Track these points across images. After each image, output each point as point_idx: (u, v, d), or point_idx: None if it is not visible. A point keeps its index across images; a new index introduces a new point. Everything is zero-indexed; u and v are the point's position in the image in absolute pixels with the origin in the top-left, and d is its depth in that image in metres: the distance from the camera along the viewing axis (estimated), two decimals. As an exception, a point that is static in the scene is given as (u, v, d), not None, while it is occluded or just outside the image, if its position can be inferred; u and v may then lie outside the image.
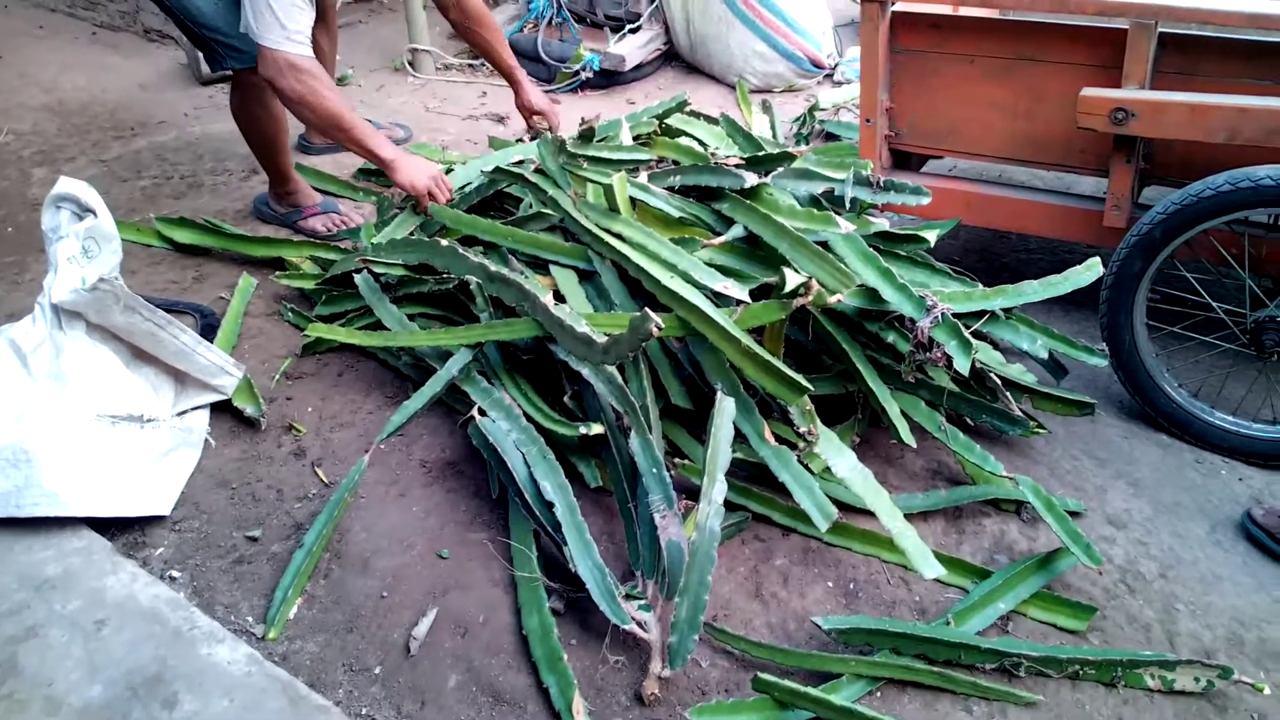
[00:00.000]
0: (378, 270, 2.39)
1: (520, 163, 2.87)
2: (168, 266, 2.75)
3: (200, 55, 3.66)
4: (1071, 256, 2.76)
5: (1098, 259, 2.01)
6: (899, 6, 2.39)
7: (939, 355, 1.83)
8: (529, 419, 1.98)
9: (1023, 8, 2.27)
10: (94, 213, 2.20)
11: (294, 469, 2.06)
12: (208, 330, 2.48)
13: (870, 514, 1.73)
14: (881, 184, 2.19)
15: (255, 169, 3.20)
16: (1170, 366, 2.15)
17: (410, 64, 3.90)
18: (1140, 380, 2.13)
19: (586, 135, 2.55)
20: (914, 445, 1.92)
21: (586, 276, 2.26)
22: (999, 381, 2.02)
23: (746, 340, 1.85)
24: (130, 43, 4.13)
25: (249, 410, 2.17)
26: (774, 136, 3.40)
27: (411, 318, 2.31)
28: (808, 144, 3.42)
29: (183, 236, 2.77)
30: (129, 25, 4.18)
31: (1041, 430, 2.06)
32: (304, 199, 2.94)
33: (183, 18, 2.61)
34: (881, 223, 2.18)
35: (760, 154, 2.36)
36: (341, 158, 3.27)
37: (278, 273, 2.61)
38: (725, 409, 1.79)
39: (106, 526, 1.89)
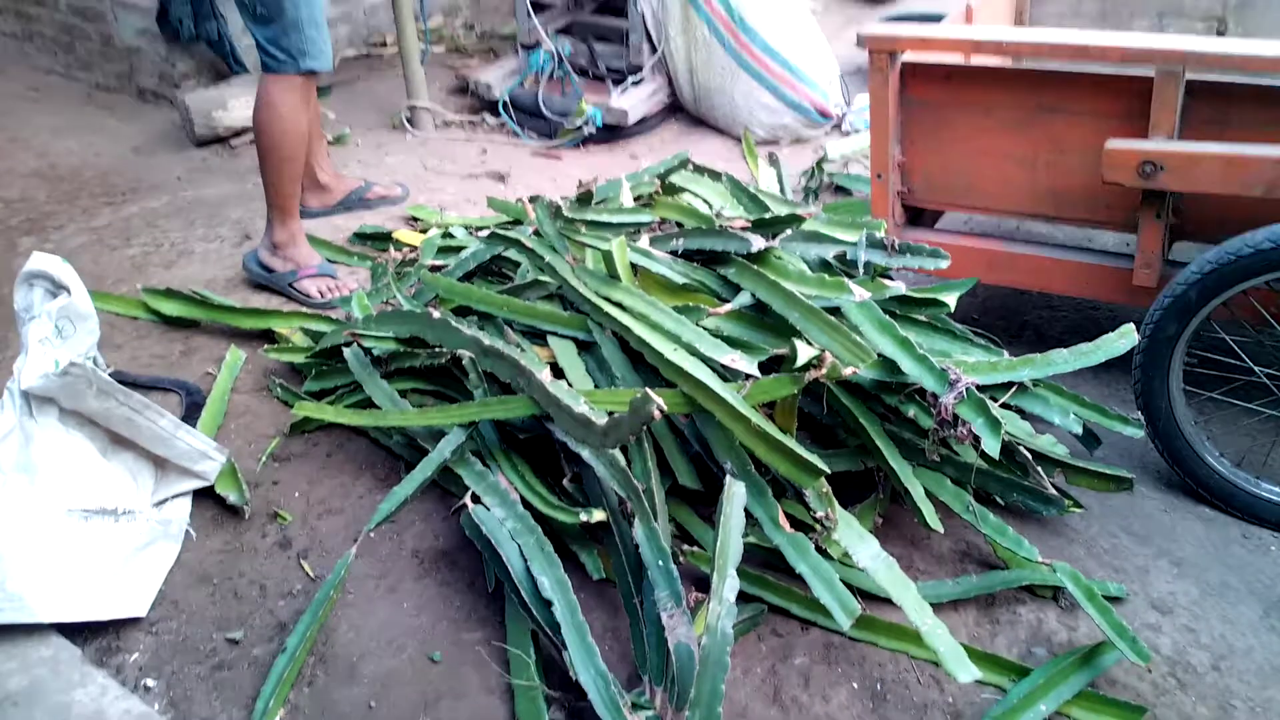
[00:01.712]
0: (368, 344, 2.28)
1: (517, 224, 2.78)
2: (154, 340, 2.65)
3: (189, 116, 3.60)
4: (1098, 313, 2.63)
5: (1131, 326, 1.88)
6: (909, 57, 2.29)
7: (965, 433, 1.71)
8: (526, 504, 1.85)
9: (1041, 56, 2.17)
10: (68, 290, 2.10)
11: (279, 561, 1.93)
12: (193, 409, 2.37)
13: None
14: (896, 247, 2.07)
15: (248, 234, 3.11)
16: (1210, 434, 2.02)
17: (409, 121, 3.82)
18: (1179, 450, 1.99)
19: (584, 198, 2.45)
20: (940, 530, 1.78)
21: (586, 347, 2.14)
22: (1030, 456, 1.89)
23: (756, 419, 1.72)
24: (125, 104, 4.07)
25: (232, 498, 2.05)
26: (782, 190, 3.29)
27: (404, 393, 2.20)
28: (816, 197, 3.32)
29: (170, 309, 2.67)
30: (124, 86, 4.12)
31: (1077, 509, 1.93)
32: (304, 256, 2.83)
33: (286, 10, 2.55)
34: (897, 286, 2.05)
35: (767, 216, 2.25)
36: (336, 220, 3.18)
37: (267, 346, 2.51)
38: (735, 495, 1.66)
39: (78, 630, 1.76)
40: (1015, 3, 2.88)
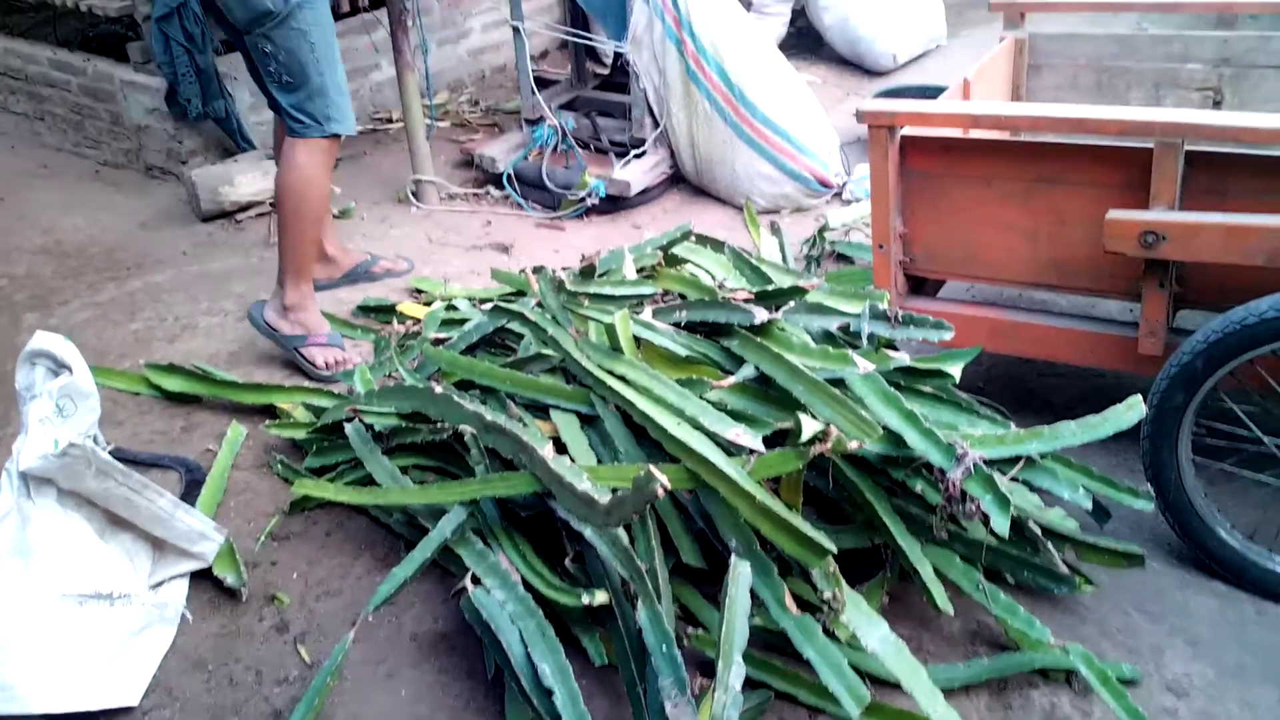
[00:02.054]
0: (370, 419, 2.26)
1: (521, 295, 2.79)
2: (156, 416, 2.64)
3: (196, 192, 3.63)
4: (1103, 380, 2.61)
5: (1139, 398, 1.86)
6: (907, 130, 2.30)
7: (973, 510, 1.68)
8: (527, 585, 1.82)
9: (1039, 129, 2.17)
10: (70, 369, 2.10)
11: (275, 646, 1.90)
12: (193, 486, 2.35)
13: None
14: (900, 318, 2.07)
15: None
16: (1222, 507, 1.98)
17: (414, 195, 3.86)
18: (1190, 523, 1.96)
19: (587, 271, 2.46)
20: (951, 612, 1.74)
21: (590, 421, 2.13)
22: (1039, 532, 1.85)
23: (761, 495, 1.70)
24: (132, 180, 4.12)
25: (230, 579, 2.02)
26: (784, 259, 3.30)
27: (405, 469, 2.18)
28: (819, 265, 3.32)
29: (172, 384, 2.67)
30: (132, 163, 4.17)
31: (1089, 586, 1.89)
32: (313, 323, 2.83)
33: (311, 77, 2.64)
34: (901, 358, 2.04)
35: (770, 288, 2.25)
36: (340, 294, 3.19)
37: (269, 421, 2.49)
38: (740, 576, 1.63)
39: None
40: (1012, 76, 2.91)
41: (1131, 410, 1.84)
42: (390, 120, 4.55)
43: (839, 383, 1.93)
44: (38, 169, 4.27)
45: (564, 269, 2.56)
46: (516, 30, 3.81)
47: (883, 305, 2.12)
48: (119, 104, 4.06)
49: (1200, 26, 3.31)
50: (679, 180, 3.99)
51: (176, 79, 3.69)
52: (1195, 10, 3.08)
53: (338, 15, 4.16)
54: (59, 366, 2.12)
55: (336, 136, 2.73)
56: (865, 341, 2.08)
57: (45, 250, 3.56)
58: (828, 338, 2.13)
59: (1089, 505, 1.84)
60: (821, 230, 3.43)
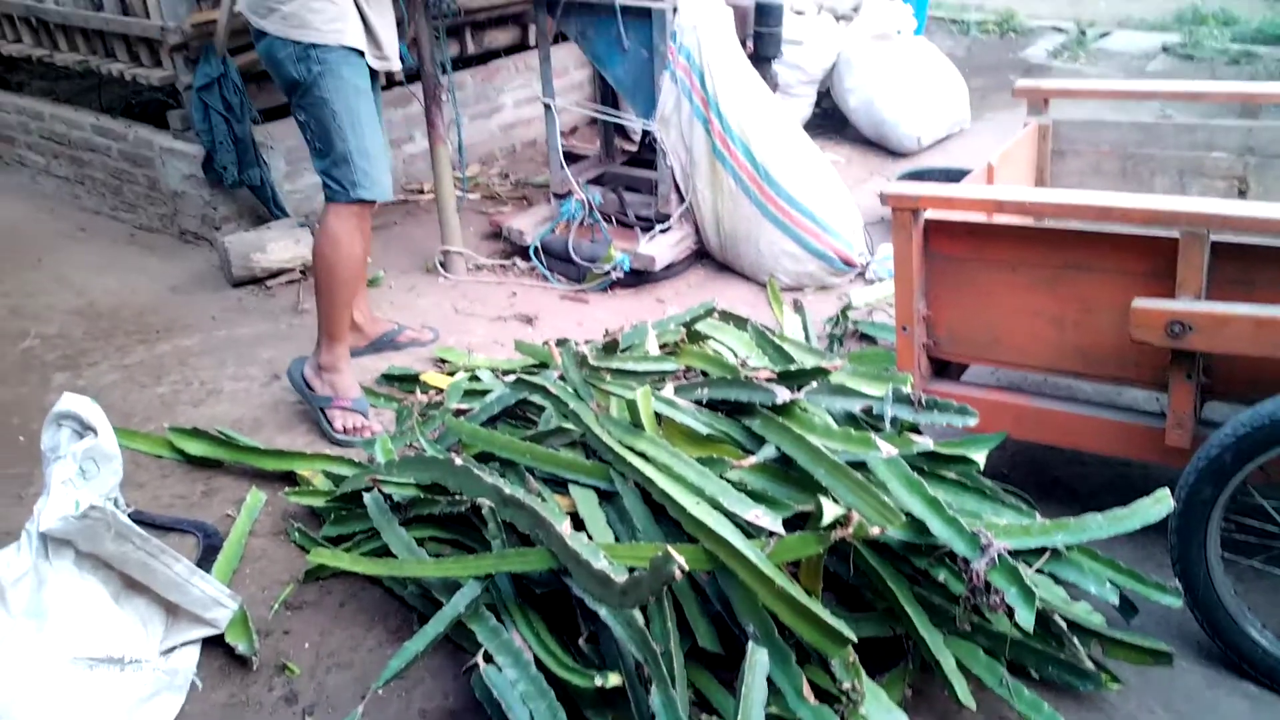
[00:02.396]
0: (388, 489, 2.26)
1: (544, 368, 2.80)
2: (177, 479, 2.65)
3: (228, 258, 3.69)
4: (1130, 469, 2.57)
5: (1167, 491, 1.83)
6: (931, 214, 2.31)
7: (997, 602, 1.65)
8: (540, 664, 1.80)
9: (1064, 216, 2.18)
10: (95, 431, 2.12)
11: (284, 718, 1.87)
12: (210, 551, 2.35)
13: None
14: (923, 402, 2.05)
15: (277, 374, 3.15)
16: (1253, 605, 1.93)
17: (442, 265, 3.90)
18: (1219, 622, 1.91)
19: (610, 347, 2.46)
20: (973, 706, 1.70)
21: (608, 497, 2.11)
22: (1065, 627, 1.81)
23: (781, 580, 1.68)
24: (166, 244, 4.19)
25: (241, 647, 2.01)
26: (806, 337, 3.31)
27: (421, 541, 2.17)
28: (841, 344, 3.32)
29: (194, 448, 2.68)
30: (166, 227, 4.26)
31: (1115, 684, 1.84)
32: (342, 386, 2.87)
33: (335, 144, 2.70)
34: (925, 442, 2.02)
35: (792, 368, 2.24)
36: (366, 361, 3.21)
37: (288, 489, 2.49)
38: (758, 663, 1.60)
39: (71, 788, 1.70)
40: (1036, 161, 2.93)
41: (1159, 504, 1.81)
42: (422, 191, 4.63)
43: (861, 466, 1.91)
44: (75, 231, 4.35)
45: (587, 342, 2.57)
46: (548, 107, 3.89)
47: (906, 389, 2.11)
48: (157, 169, 4.15)
49: (1224, 115, 3.33)
50: (703, 255, 4.02)
51: (214, 146, 3.78)
52: (1219, 100, 3.10)
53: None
54: (84, 428, 2.13)
55: (366, 202, 2.78)
56: (888, 425, 2.06)
57: (78, 311, 3.61)
58: (850, 420, 2.12)
59: (1116, 600, 1.80)
60: (845, 309, 3.43)
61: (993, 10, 7.67)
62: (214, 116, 3.73)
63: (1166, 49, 6.58)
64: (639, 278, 3.80)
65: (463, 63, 4.79)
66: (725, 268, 3.96)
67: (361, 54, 2.71)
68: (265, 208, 4.03)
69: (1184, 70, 6.26)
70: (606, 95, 4.16)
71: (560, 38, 3.92)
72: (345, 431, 2.80)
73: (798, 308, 3.50)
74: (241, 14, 2.75)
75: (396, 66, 2.94)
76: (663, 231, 3.84)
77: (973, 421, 2.02)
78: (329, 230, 2.79)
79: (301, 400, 2.92)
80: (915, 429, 2.10)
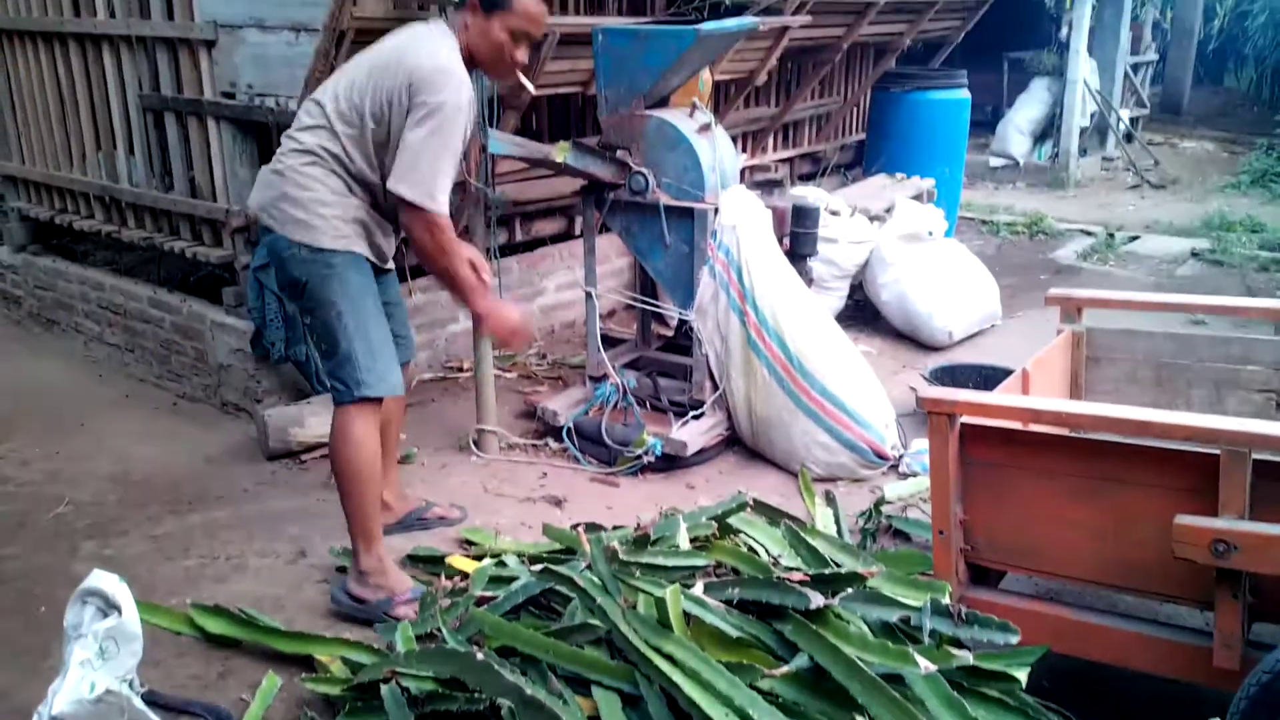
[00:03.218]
0: (406, 681, 2.20)
1: (571, 553, 2.76)
2: (194, 658, 2.60)
3: (266, 430, 3.74)
4: (1174, 686, 2.46)
5: (1220, 721, 1.75)
6: (967, 419, 2.31)
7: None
8: None
9: (1102, 429, 2.17)
10: (119, 610, 2.11)
11: None
12: (220, 738, 2.28)
13: None
14: (963, 616, 2.00)
15: (303, 550, 3.14)
16: None
17: (475, 443, 3.93)
18: None
19: (641, 540, 2.44)
20: None
21: (632, 702, 2.05)
22: None
23: (813, 806, 1.59)
24: (207, 414, 4.27)
25: (244, 847, 1.91)
26: (839, 531, 3.26)
27: (438, 739, 2.09)
28: (875, 540, 3.26)
29: (214, 626, 2.65)
30: (209, 398, 4.35)
31: None
32: (394, 582, 2.80)
33: (340, 345, 2.69)
34: (965, 656, 1.95)
35: (827, 572, 2.20)
36: (393, 541, 3.18)
37: (304, 675, 2.44)
38: None
39: None
40: (1071, 368, 2.94)
41: (1211, 735, 1.73)
42: (460, 369, 4.72)
43: (897, 679, 1.85)
44: (120, 398, 4.45)
45: (615, 527, 2.55)
46: (589, 295, 3.99)
47: (945, 599, 2.05)
48: (206, 342, 4.28)
49: (1257, 327, 3.35)
50: (735, 442, 4.02)
51: (264, 323, 3.90)
52: (1252, 316, 3.13)
53: (416, 272, 4.41)
54: (109, 607, 2.12)
55: (370, 400, 2.75)
56: (926, 637, 2.00)
57: (114, 478, 3.65)
58: (887, 630, 2.07)
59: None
60: (878, 504, 3.40)
61: (1021, 213, 7.90)
62: (267, 295, 3.86)
63: (1196, 254, 6.70)
64: (670, 462, 3.79)
65: (510, 249, 4.97)
66: (756, 455, 3.95)
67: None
68: (308, 383, 4.11)
69: (1214, 275, 6.35)
70: (646, 285, 4.28)
71: (604, 228, 4.07)
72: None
73: (830, 500, 3.47)
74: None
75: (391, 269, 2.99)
76: (695, 418, 3.87)
77: (1014, 639, 1.96)
78: (339, 430, 2.75)
79: (327, 579, 2.87)
80: (956, 641, 2.04)
